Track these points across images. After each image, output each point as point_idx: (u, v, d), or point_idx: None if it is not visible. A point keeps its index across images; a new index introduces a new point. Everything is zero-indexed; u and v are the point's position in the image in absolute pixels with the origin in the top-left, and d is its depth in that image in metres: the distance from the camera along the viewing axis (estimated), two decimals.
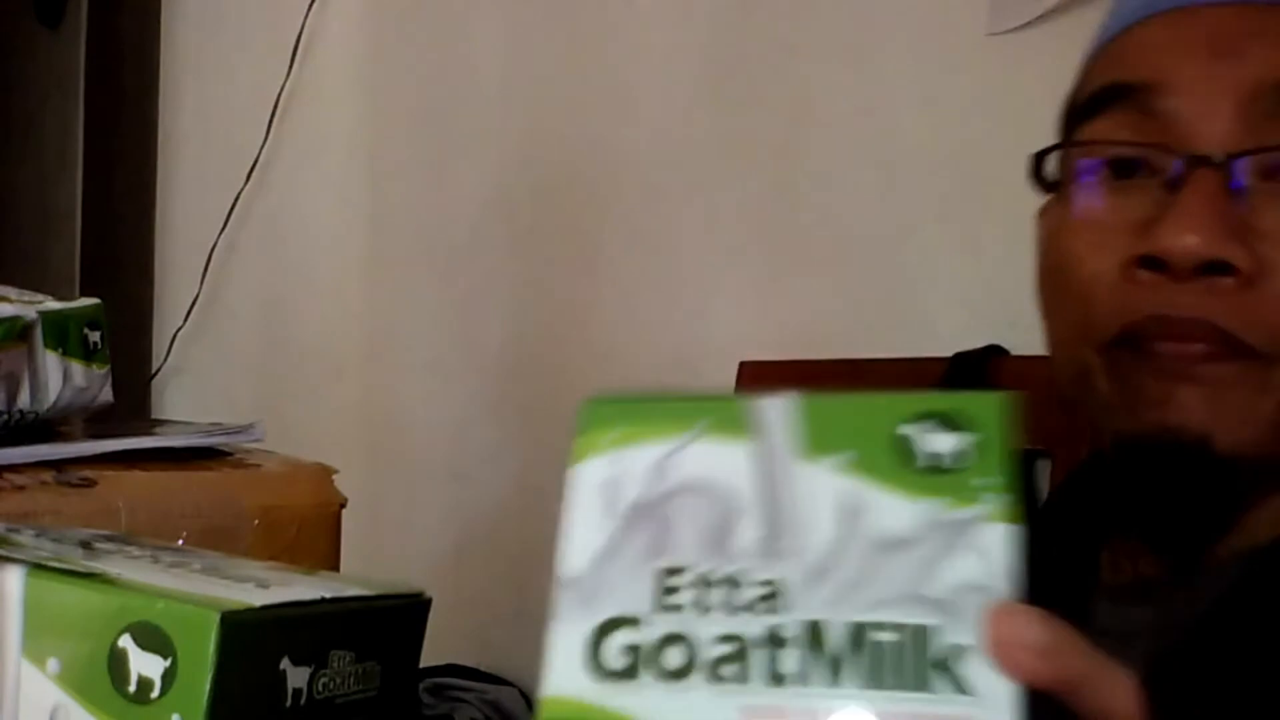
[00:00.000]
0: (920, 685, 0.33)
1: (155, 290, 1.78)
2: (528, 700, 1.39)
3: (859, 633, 0.34)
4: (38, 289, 0.88)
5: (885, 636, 0.34)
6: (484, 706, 1.35)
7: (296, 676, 0.44)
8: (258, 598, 0.43)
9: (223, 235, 1.69)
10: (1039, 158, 0.57)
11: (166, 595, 0.43)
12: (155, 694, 0.41)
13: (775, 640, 0.34)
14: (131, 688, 0.41)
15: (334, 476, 0.87)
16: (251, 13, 1.75)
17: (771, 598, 0.35)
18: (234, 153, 1.67)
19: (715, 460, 0.37)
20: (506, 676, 1.41)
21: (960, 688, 0.33)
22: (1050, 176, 0.57)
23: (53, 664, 0.43)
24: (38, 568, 0.45)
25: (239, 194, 1.67)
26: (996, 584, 0.34)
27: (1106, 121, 0.54)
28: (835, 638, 0.34)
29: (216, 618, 0.41)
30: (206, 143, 1.77)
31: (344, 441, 1.53)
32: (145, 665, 0.41)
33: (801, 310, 1.20)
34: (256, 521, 0.80)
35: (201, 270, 1.70)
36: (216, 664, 0.41)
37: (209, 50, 1.78)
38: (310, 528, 0.83)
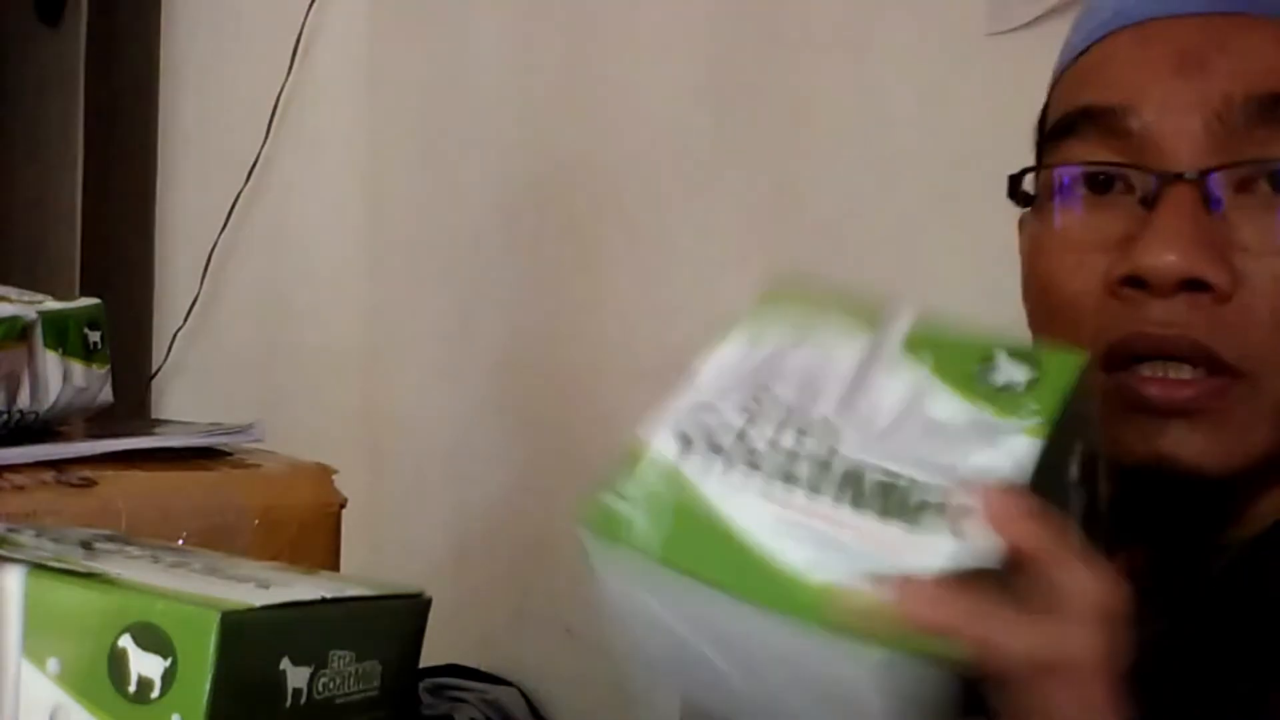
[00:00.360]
0: (894, 517, 0.41)
1: (155, 290, 1.77)
2: (528, 700, 1.39)
3: (870, 473, 0.42)
4: (37, 289, 0.88)
5: (886, 479, 0.42)
6: (484, 706, 1.35)
7: (296, 676, 0.44)
8: (258, 598, 0.43)
9: (223, 235, 1.69)
10: (1015, 179, 0.58)
11: (166, 595, 0.42)
12: (155, 694, 0.41)
13: (811, 461, 0.43)
14: (131, 688, 0.41)
15: (334, 476, 0.87)
16: (251, 13, 1.75)
17: (830, 437, 0.43)
18: (234, 153, 1.67)
19: (834, 345, 0.47)
20: (506, 676, 1.41)
21: (927, 529, 0.40)
22: (1028, 190, 0.58)
23: (53, 664, 0.43)
24: (38, 568, 0.45)
25: (239, 194, 1.67)
26: (1007, 473, 0.41)
27: (1080, 143, 0.55)
28: (851, 472, 0.42)
29: (216, 618, 0.41)
30: (206, 143, 1.77)
31: (344, 441, 1.53)
32: (145, 665, 0.41)
33: None
34: (256, 521, 0.80)
35: (201, 270, 1.70)
36: (216, 664, 0.41)
37: (209, 50, 1.78)
38: (310, 528, 0.83)
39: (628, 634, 0.47)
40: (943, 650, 0.39)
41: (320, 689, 0.45)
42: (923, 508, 0.41)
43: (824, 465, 0.43)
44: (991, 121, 1.05)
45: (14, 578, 0.44)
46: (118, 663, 0.42)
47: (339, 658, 0.46)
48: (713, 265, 1.28)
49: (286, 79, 1.65)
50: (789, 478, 0.43)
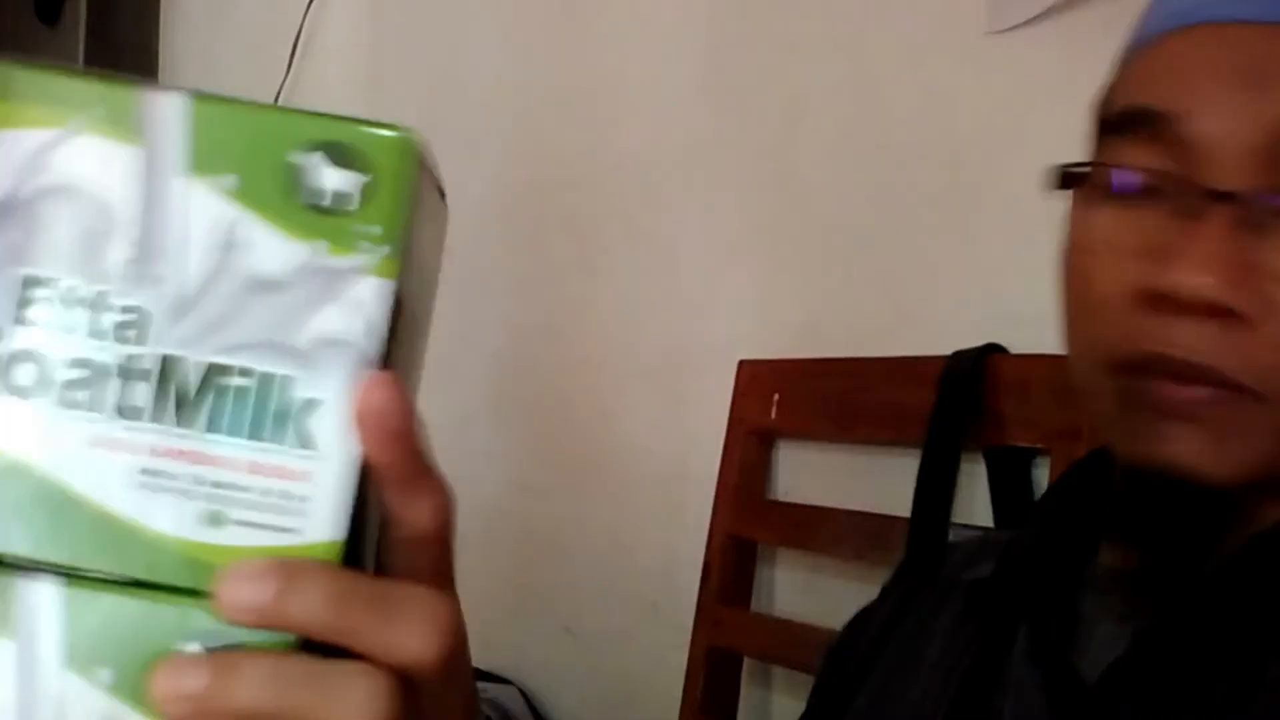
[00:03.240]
0: (266, 434, 0.34)
1: None
2: (528, 700, 1.39)
3: (213, 374, 0.34)
4: None
5: (238, 381, 0.34)
6: (484, 706, 1.35)
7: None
8: None
9: None
10: (1064, 171, 0.57)
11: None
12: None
13: (129, 371, 0.34)
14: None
15: None
16: (251, 12, 1.75)
17: (133, 326, 0.34)
18: None
19: (97, 162, 0.34)
20: (506, 676, 1.41)
21: (304, 442, 0.34)
22: (1076, 172, 0.57)
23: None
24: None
25: None
26: (362, 340, 0.34)
27: (1130, 144, 0.54)
28: (188, 377, 0.34)
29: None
30: None
31: None
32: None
33: (801, 310, 1.20)
34: None
35: None
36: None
37: (209, 50, 1.78)
38: None
39: None
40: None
41: None
42: (291, 412, 0.34)
43: (155, 378, 0.34)
44: (991, 120, 1.05)
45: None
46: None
47: None
48: (711, 265, 1.28)
49: (286, 79, 1.65)
50: (125, 408, 0.33)
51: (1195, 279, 0.50)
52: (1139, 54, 0.57)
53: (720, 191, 1.28)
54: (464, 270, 1.54)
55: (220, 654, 0.33)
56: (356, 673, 0.33)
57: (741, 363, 1.19)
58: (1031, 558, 0.62)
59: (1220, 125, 0.52)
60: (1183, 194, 0.52)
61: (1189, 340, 0.51)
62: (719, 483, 1.19)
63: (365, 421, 0.34)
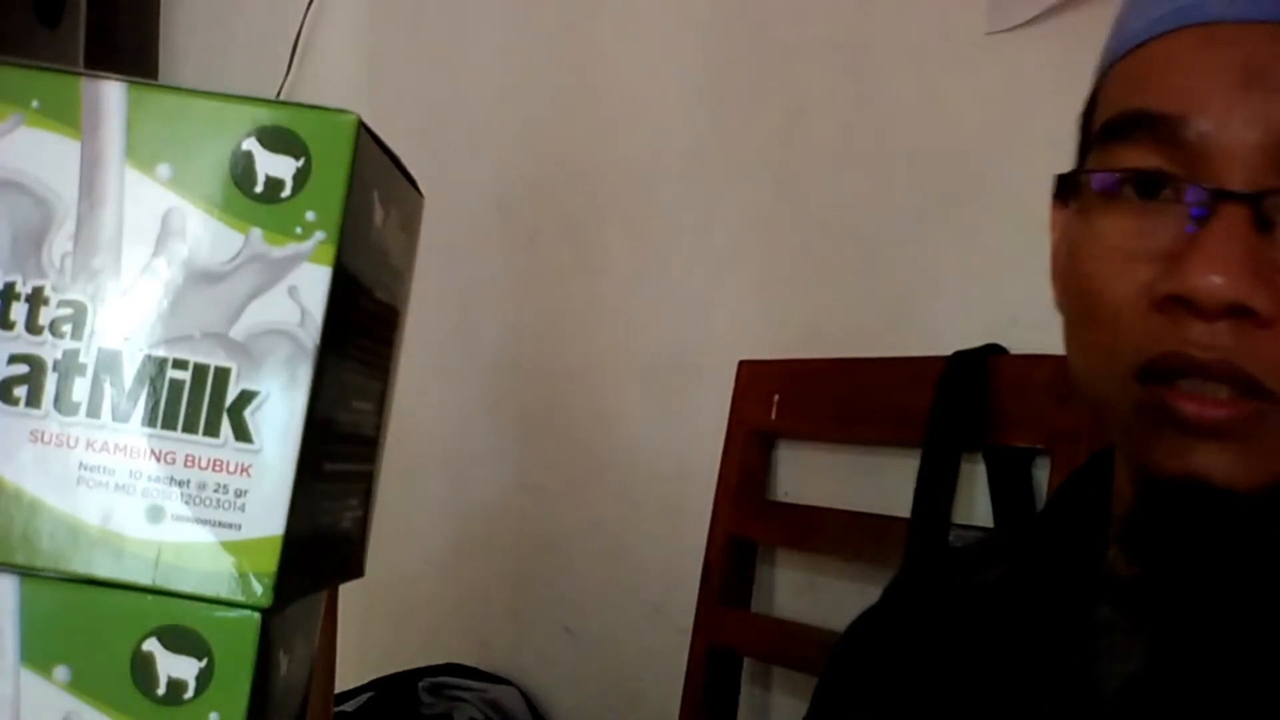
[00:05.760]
0: (205, 428, 0.33)
1: None
2: (528, 700, 1.39)
3: (149, 367, 0.33)
4: None
5: (174, 374, 0.33)
6: (483, 706, 1.35)
7: None
8: None
9: None
10: (1064, 179, 0.57)
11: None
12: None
13: (67, 367, 0.34)
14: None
15: None
16: (251, 13, 1.75)
17: (70, 320, 0.34)
18: None
19: (37, 155, 0.34)
20: (506, 676, 1.41)
21: (241, 435, 0.33)
22: (1077, 180, 0.57)
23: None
24: None
25: None
26: (297, 330, 0.34)
27: (1132, 148, 0.53)
28: (125, 370, 0.33)
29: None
30: None
31: None
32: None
33: (801, 310, 1.20)
34: None
35: None
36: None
37: (209, 50, 1.78)
38: None
39: None
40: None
41: None
42: (227, 404, 0.33)
43: (91, 372, 0.33)
44: (990, 120, 1.05)
45: None
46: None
47: None
48: (711, 265, 1.28)
49: (286, 79, 1.65)
50: (62, 404, 0.33)
51: (1211, 280, 0.49)
52: (1126, 59, 0.56)
53: (720, 191, 1.28)
54: (464, 271, 1.54)
55: None
56: None
57: (741, 363, 1.19)
58: (1042, 567, 0.61)
59: (1225, 126, 0.51)
60: (1191, 195, 0.52)
61: (1207, 339, 0.51)
62: (719, 483, 1.19)
63: None
